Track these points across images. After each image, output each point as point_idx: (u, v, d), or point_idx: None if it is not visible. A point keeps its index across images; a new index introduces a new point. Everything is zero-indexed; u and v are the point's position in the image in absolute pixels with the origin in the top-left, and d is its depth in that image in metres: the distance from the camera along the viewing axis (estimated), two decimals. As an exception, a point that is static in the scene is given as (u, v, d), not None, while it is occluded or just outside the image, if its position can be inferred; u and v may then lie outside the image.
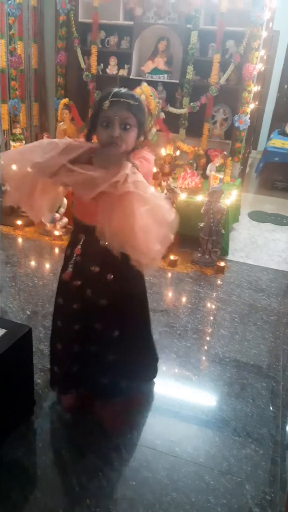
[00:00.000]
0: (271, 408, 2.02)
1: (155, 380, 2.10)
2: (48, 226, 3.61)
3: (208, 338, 2.53)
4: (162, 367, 2.18)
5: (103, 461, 1.69)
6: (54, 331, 1.80)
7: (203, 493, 1.61)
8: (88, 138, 1.49)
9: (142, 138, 1.47)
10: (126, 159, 1.38)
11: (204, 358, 2.35)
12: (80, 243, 1.57)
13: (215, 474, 1.68)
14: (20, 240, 3.55)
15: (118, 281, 1.58)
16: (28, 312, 2.58)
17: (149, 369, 2.03)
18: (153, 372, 2.07)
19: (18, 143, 3.92)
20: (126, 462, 1.69)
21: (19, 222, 3.67)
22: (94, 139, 1.48)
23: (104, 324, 1.65)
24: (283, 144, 5.59)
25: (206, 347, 2.45)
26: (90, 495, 1.56)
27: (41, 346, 2.28)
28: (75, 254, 1.59)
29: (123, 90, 1.41)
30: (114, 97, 1.37)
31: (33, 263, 3.21)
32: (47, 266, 3.20)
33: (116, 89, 1.39)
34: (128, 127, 1.39)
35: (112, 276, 1.57)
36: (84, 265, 1.58)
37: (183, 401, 2.04)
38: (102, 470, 1.65)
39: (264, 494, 1.62)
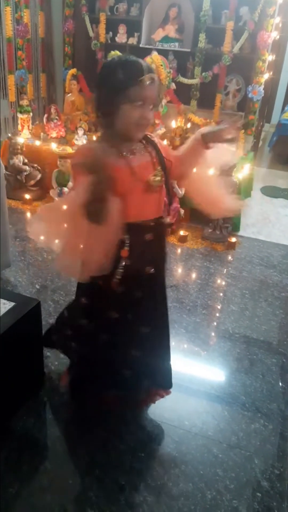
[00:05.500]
0: (280, 384, 2.01)
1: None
2: (57, 200, 3.57)
3: (217, 314, 2.51)
4: (171, 342, 2.17)
5: (112, 434, 1.70)
6: (87, 339, 1.61)
7: (211, 466, 1.61)
8: (108, 114, 1.29)
9: None
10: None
11: (213, 333, 2.34)
12: (127, 244, 1.38)
13: (223, 447, 1.68)
14: (28, 214, 3.52)
15: (163, 276, 1.58)
16: (37, 286, 2.57)
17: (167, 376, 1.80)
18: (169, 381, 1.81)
19: (25, 115, 3.86)
20: (135, 434, 1.70)
21: (27, 196, 3.63)
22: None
23: (152, 324, 1.59)
24: (297, 117, 5.42)
25: (215, 323, 2.43)
26: (99, 466, 1.57)
27: (51, 320, 2.27)
28: (122, 257, 1.38)
29: (146, 63, 1.27)
30: (148, 72, 1.23)
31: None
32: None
33: (143, 62, 1.25)
34: (153, 107, 1.30)
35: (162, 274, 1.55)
36: (137, 267, 1.42)
37: (192, 376, 2.03)
38: (111, 442, 1.66)
39: (273, 468, 1.62)
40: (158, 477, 1.55)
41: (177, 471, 1.58)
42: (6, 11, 3.89)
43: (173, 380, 1.86)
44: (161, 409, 1.82)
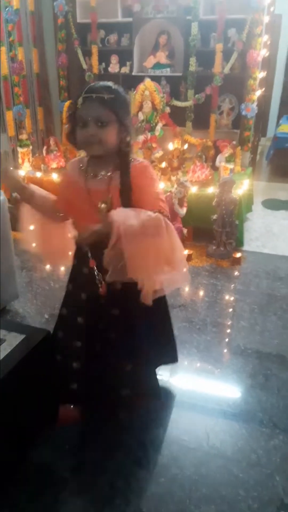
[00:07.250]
0: (297, 397, 1.99)
1: (178, 375, 2.09)
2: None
3: (228, 331, 2.50)
4: (183, 362, 2.17)
5: (131, 460, 1.68)
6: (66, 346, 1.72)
7: (233, 486, 1.59)
8: (70, 139, 1.43)
9: (127, 136, 1.39)
10: (114, 162, 1.40)
11: (225, 351, 2.33)
12: (89, 255, 1.55)
13: (243, 466, 1.66)
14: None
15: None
16: (46, 316, 2.59)
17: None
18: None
19: (25, 149, 3.95)
20: (154, 459, 1.68)
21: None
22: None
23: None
24: (292, 129, 5.50)
25: (227, 340, 2.42)
26: (120, 495, 1.55)
27: (62, 348, 2.28)
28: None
29: (99, 83, 1.34)
30: (87, 93, 1.31)
31: (48, 267, 3.23)
32: (62, 268, 3.21)
33: (91, 84, 1.34)
34: (104, 123, 1.32)
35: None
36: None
37: (207, 395, 2.02)
38: (130, 469, 1.65)
39: (295, 485, 1.59)
40: (180, 501, 1.53)
41: (198, 494, 1.56)
42: (1, 50, 4.04)
43: (188, 400, 1.85)
44: (178, 431, 1.81)
